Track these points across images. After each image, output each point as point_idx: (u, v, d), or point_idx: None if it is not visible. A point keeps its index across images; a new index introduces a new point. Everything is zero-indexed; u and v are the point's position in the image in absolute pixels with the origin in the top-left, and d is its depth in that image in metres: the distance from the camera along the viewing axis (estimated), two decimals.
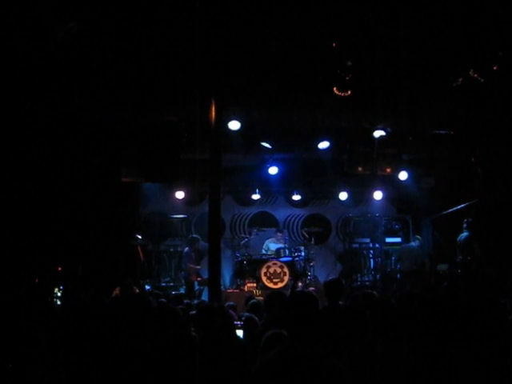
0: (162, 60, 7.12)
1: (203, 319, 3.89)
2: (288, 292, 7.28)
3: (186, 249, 12.02)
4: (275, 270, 11.64)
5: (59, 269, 10.29)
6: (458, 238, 10.62)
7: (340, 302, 5.92)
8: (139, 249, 11.51)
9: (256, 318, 5.49)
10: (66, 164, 9.53)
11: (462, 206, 11.20)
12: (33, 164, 9.01)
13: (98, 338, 3.78)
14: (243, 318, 5.57)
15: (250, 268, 12.04)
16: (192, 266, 11.80)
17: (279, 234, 12.91)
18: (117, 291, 9.23)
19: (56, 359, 3.53)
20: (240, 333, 5.05)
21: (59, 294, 9.69)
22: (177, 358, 3.37)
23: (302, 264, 12.46)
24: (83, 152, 9.52)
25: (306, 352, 3.13)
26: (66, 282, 9.93)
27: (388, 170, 10.21)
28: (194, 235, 12.30)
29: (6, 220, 8.82)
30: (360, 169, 10.05)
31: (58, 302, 9.27)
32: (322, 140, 9.95)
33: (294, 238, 13.76)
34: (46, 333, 3.56)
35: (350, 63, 7.37)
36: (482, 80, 7.27)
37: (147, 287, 11.29)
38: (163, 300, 7.36)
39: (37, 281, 9.23)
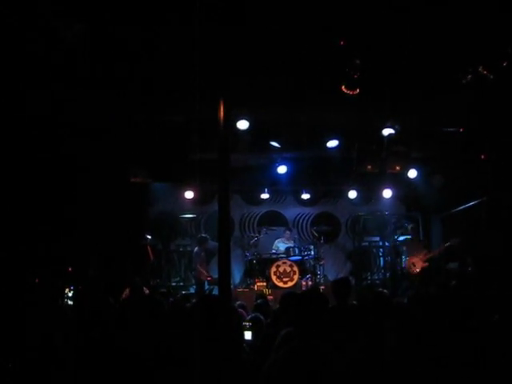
0: (169, 59, 7.13)
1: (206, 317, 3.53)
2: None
3: (196, 249, 12.06)
4: (285, 269, 11.64)
5: (69, 269, 10.34)
6: None
7: (354, 302, 5.92)
8: (149, 249, 11.53)
9: (262, 318, 5.47)
10: (76, 165, 9.57)
11: (472, 203, 11.15)
12: (42, 165, 9.05)
13: (109, 338, 3.79)
14: (248, 318, 5.52)
15: (259, 267, 12.05)
16: (202, 265, 11.82)
17: (288, 233, 12.91)
18: (126, 292, 9.26)
19: (68, 359, 3.55)
20: (248, 334, 4.91)
21: (70, 295, 9.73)
22: (182, 358, 3.34)
23: (312, 263, 12.45)
24: (92, 153, 9.55)
25: (315, 351, 3.13)
26: (77, 282, 9.97)
27: (397, 167, 10.19)
28: (203, 235, 12.33)
29: (16, 221, 8.86)
30: (369, 167, 10.04)
31: (69, 303, 9.31)
32: (331, 138, 9.93)
33: (303, 237, 13.77)
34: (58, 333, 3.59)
35: (358, 61, 7.35)
36: (492, 77, 7.22)
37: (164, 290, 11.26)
38: (171, 299, 7.39)
39: (46, 281, 9.27)
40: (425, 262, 11.32)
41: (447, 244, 10.94)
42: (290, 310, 4.99)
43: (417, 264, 11.47)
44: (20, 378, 3.38)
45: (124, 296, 9.23)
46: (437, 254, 11.34)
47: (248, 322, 5.12)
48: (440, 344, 3.71)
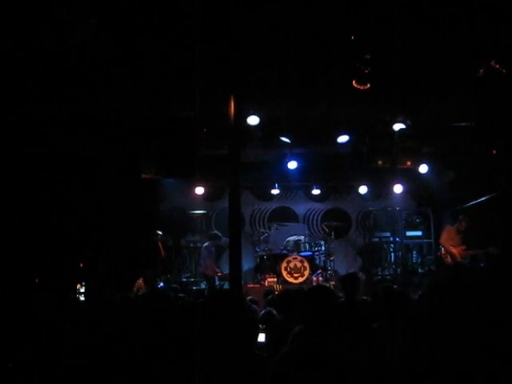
0: (180, 55, 7.13)
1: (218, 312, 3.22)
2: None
3: (207, 243, 12.04)
4: (295, 265, 11.65)
5: (81, 265, 10.41)
6: None
7: (364, 297, 5.91)
8: (160, 245, 11.58)
9: (275, 313, 5.44)
10: (87, 161, 9.62)
11: (483, 199, 11.08)
12: (53, 161, 9.11)
13: (122, 332, 3.81)
14: (261, 314, 5.44)
15: (270, 263, 12.07)
16: (211, 261, 11.84)
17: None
18: (139, 282, 9.31)
19: (81, 353, 3.57)
20: (261, 336, 4.71)
21: (81, 290, 9.81)
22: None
23: (322, 258, 12.45)
24: (103, 149, 9.60)
25: (324, 346, 3.13)
26: (88, 278, 10.04)
27: (408, 163, 10.14)
28: (216, 232, 12.32)
29: (28, 217, 8.93)
30: (380, 162, 9.99)
31: (81, 298, 9.38)
32: (342, 134, 9.90)
33: (313, 233, 13.75)
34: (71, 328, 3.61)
35: (368, 56, 7.31)
36: (504, 71, 7.16)
37: (161, 284, 11.28)
38: (182, 295, 7.41)
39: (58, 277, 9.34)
40: (461, 257, 11.03)
41: (485, 251, 10.57)
42: (297, 306, 4.97)
43: (453, 256, 11.11)
44: (28, 375, 3.41)
45: (137, 286, 9.29)
46: (475, 255, 10.92)
47: (260, 321, 5.05)
48: (447, 340, 3.69)
